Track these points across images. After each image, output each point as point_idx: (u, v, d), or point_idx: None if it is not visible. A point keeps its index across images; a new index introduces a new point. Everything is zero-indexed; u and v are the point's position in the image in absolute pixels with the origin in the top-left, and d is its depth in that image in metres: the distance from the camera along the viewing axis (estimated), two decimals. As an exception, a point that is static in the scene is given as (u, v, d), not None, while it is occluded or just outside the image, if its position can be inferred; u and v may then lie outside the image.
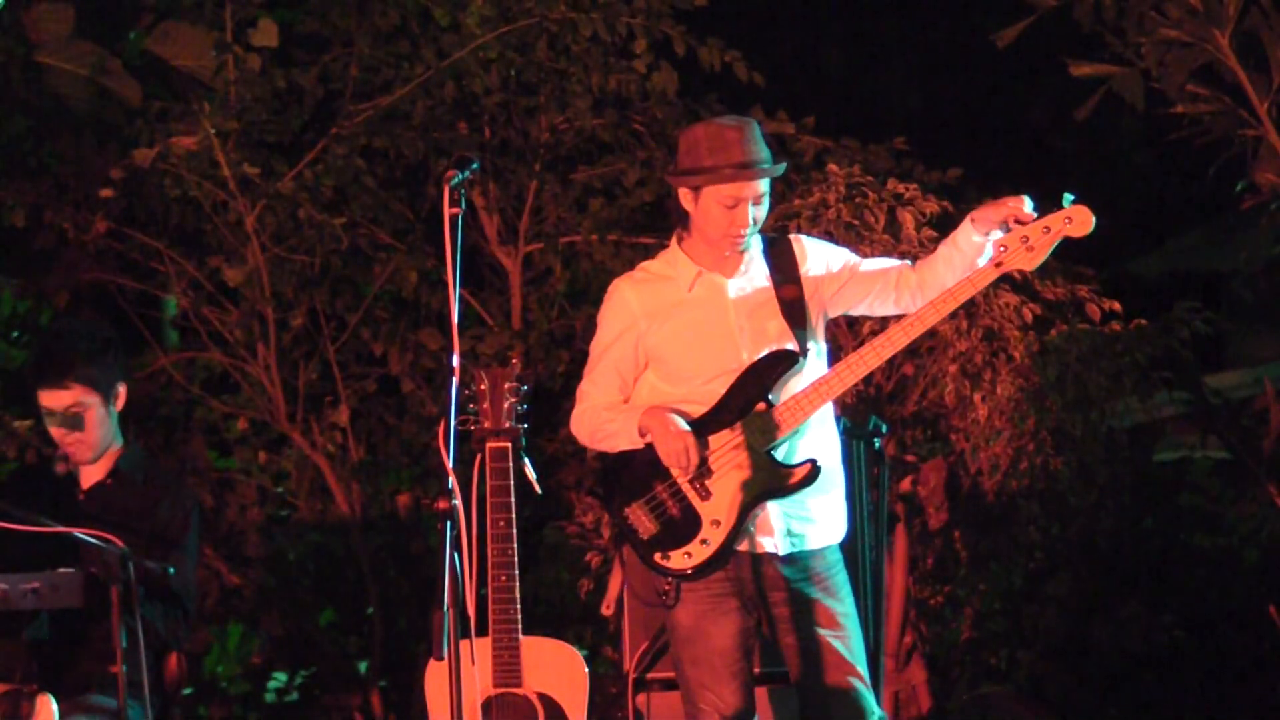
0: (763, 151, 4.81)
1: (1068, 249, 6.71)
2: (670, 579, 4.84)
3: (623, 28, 7.29)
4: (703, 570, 4.82)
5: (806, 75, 10.86)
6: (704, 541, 4.81)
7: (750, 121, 4.86)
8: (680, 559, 4.83)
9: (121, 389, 5.38)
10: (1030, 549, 7.10)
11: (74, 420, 5.28)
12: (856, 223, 6.42)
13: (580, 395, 5.01)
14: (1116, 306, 6.73)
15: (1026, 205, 4.74)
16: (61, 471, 5.36)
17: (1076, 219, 4.70)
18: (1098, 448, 6.85)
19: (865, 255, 5.09)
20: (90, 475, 5.40)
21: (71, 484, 5.39)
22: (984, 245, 4.78)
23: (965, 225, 4.79)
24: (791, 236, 4.99)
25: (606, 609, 6.03)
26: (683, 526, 4.82)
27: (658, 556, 4.84)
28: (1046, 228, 4.70)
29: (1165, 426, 8.19)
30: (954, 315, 6.50)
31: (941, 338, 6.59)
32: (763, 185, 4.82)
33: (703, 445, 4.78)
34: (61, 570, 4.95)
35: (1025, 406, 6.62)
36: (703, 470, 4.80)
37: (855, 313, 5.03)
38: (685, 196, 4.84)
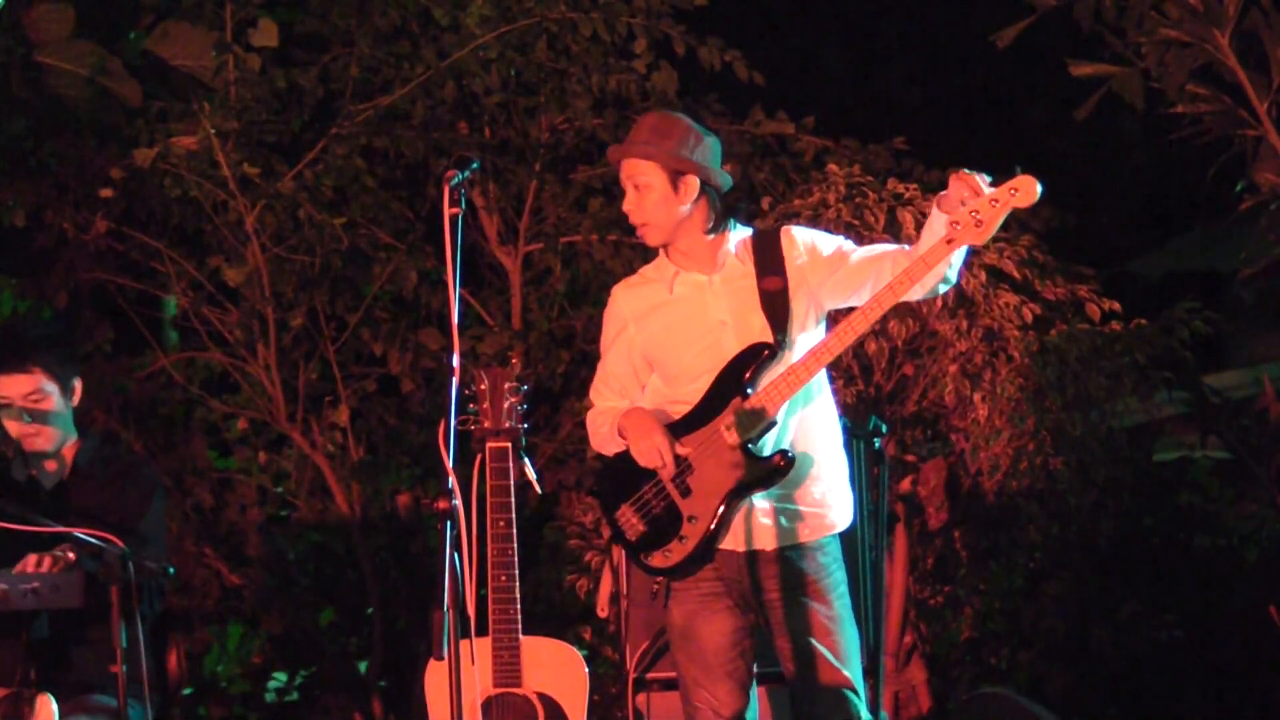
0: (651, 139, 4.79)
1: (1068, 249, 6.75)
2: (657, 578, 4.86)
3: (623, 27, 7.29)
4: (683, 567, 4.82)
5: (806, 75, 10.85)
6: (682, 538, 4.81)
7: (675, 116, 4.85)
8: (660, 558, 4.83)
9: (77, 384, 5.37)
10: (1030, 549, 7.09)
11: (33, 409, 5.26)
12: (856, 223, 6.42)
13: (590, 400, 5.07)
14: (1116, 306, 6.73)
15: (980, 181, 4.66)
16: (20, 474, 5.33)
17: (1022, 189, 4.66)
18: (1098, 448, 6.85)
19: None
20: (51, 476, 5.38)
21: (35, 487, 5.37)
22: None
23: (934, 210, 4.73)
24: (781, 229, 4.93)
25: (601, 611, 6.03)
26: (665, 525, 4.83)
27: (643, 556, 4.85)
28: (995, 200, 4.65)
29: (1165, 426, 8.18)
30: (953, 315, 6.51)
31: (942, 338, 6.59)
32: (642, 173, 4.82)
33: (674, 442, 4.78)
34: (62, 570, 4.95)
35: (1025, 406, 6.62)
36: (685, 468, 4.81)
37: (858, 301, 4.86)
38: None
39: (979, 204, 4.63)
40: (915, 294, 4.75)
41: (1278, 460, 7.59)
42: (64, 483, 5.36)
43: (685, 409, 4.84)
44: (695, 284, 4.89)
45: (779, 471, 4.76)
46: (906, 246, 4.89)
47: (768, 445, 4.79)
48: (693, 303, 4.88)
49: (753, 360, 4.78)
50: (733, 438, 4.75)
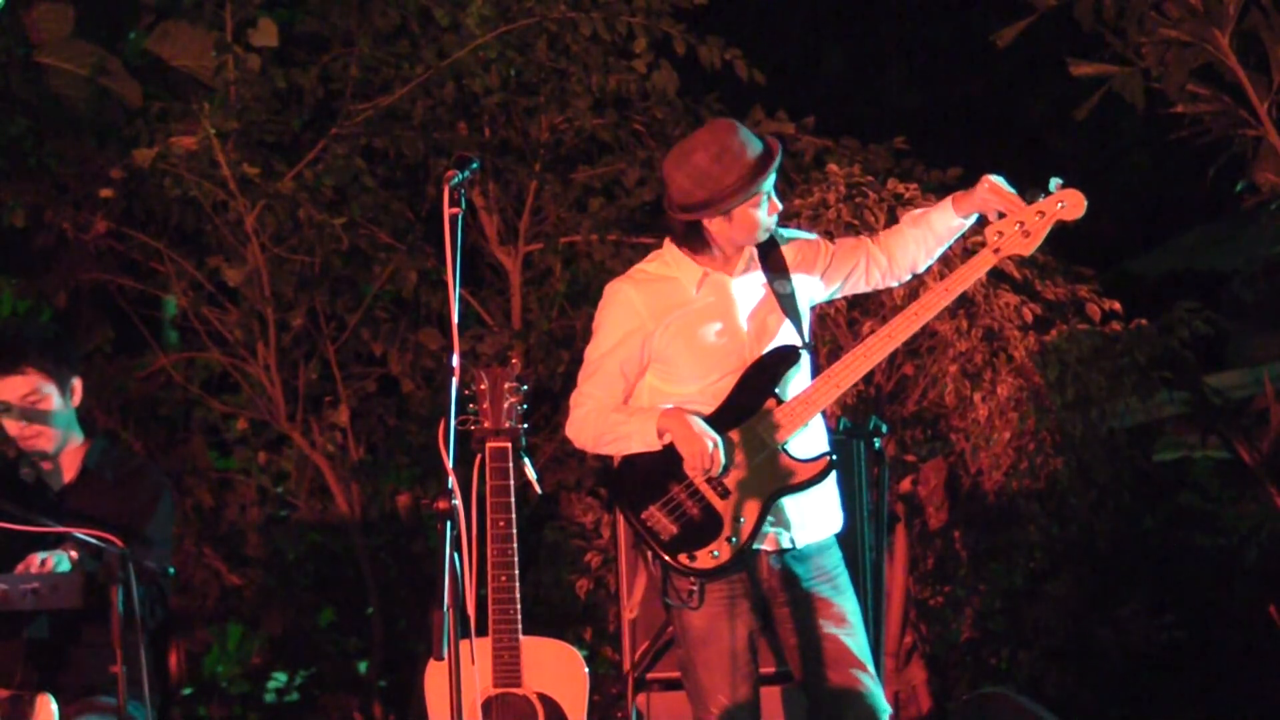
0: (756, 140, 4.80)
1: (1068, 249, 6.75)
2: (694, 579, 4.82)
3: (623, 27, 7.29)
4: (728, 568, 4.81)
5: (806, 75, 10.85)
6: (730, 539, 4.80)
7: (732, 122, 4.84)
8: (707, 558, 4.80)
9: (76, 383, 5.33)
10: (1030, 549, 7.10)
11: (30, 410, 5.24)
12: (856, 223, 6.42)
13: (578, 400, 4.95)
14: (1116, 306, 6.74)
15: (1006, 188, 4.80)
16: (29, 477, 5.32)
17: (1069, 202, 4.79)
18: (1098, 448, 6.85)
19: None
20: (59, 477, 5.37)
21: (43, 489, 5.36)
22: (961, 228, 4.85)
23: (945, 208, 4.83)
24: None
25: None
26: (704, 526, 4.81)
27: (683, 558, 4.81)
28: (1040, 212, 4.80)
29: (1165, 426, 8.19)
30: (953, 315, 6.52)
31: (941, 338, 6.59)
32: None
33: (731, 445, 4.78)
34: (61, 570, 4.94)
35: (1025, 406, 6.62)
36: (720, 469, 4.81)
37: (837, 296, 5.09)
38: (714, 224, 4.80)
39: (1025, 214, 4.77)
40: (884, 282, 5.01)
41: (1278, 460, 7.60)
42: (72, 484, 5.35)
43: (705, 408, 4.83)
44: (720, 285, 4.89)
45: (821, 474, 4.81)
46: (864, 236, 5.08)
47: (794, 446, 4.82)
48: (719, 304, 4.88)
49: (784, 362, 4.83)
50: (770, 439, 4.78)
